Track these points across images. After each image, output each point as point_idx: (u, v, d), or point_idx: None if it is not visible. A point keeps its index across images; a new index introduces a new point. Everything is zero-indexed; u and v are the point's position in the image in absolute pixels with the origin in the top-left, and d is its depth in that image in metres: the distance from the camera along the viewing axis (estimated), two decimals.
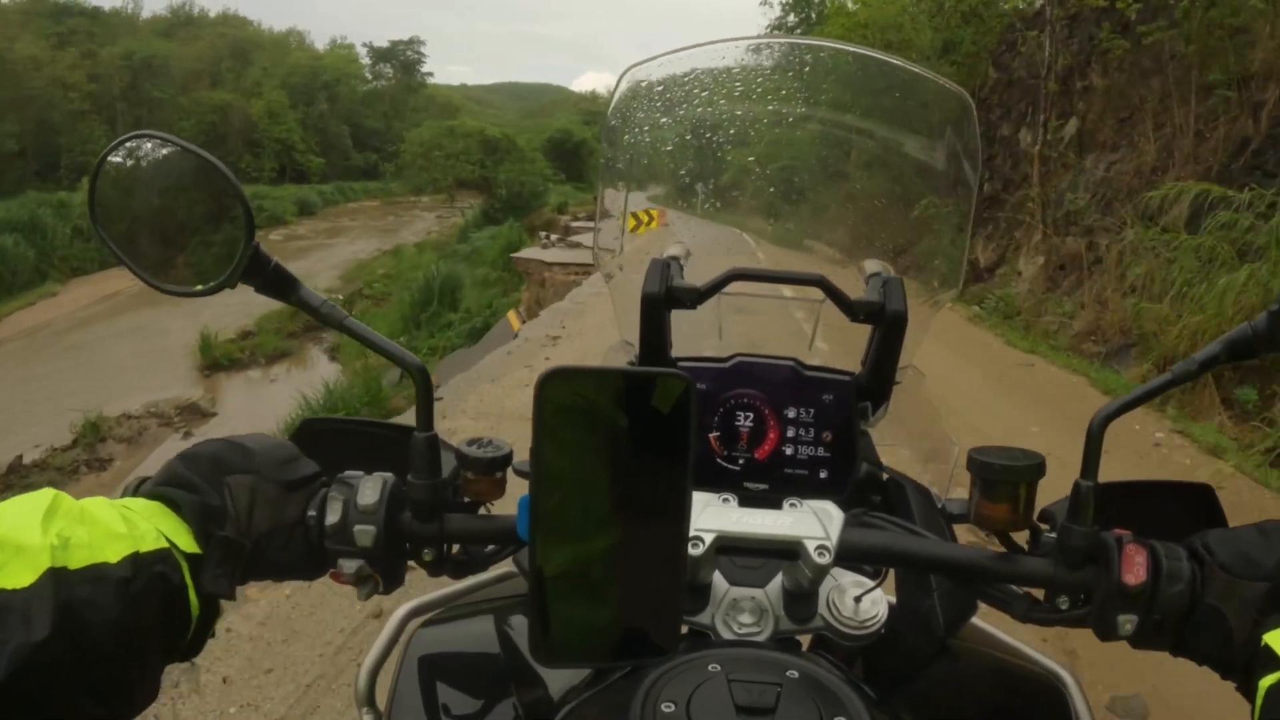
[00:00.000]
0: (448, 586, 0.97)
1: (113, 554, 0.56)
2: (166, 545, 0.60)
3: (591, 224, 1.29)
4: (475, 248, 29.71)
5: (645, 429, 0.50)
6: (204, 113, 47.51)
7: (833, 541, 0.70)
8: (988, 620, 0.93)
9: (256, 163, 49.04)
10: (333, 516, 0.69)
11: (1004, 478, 0.69)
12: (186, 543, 0.63)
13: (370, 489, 0.70)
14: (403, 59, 72.93)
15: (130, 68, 46.89)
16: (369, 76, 71.16)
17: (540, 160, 46.47)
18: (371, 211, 49.73)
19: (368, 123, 63.96)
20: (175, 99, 47.28)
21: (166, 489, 0.65)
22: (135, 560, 0.57)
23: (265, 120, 49.33)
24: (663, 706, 0.59)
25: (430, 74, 74.50)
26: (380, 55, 72.76)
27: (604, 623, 0.53)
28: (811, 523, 0.71)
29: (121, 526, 0.58)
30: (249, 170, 46.96)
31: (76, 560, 0.54)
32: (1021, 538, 0.75)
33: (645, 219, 1.14)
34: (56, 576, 0.53)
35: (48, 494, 0.57)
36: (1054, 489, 0.76)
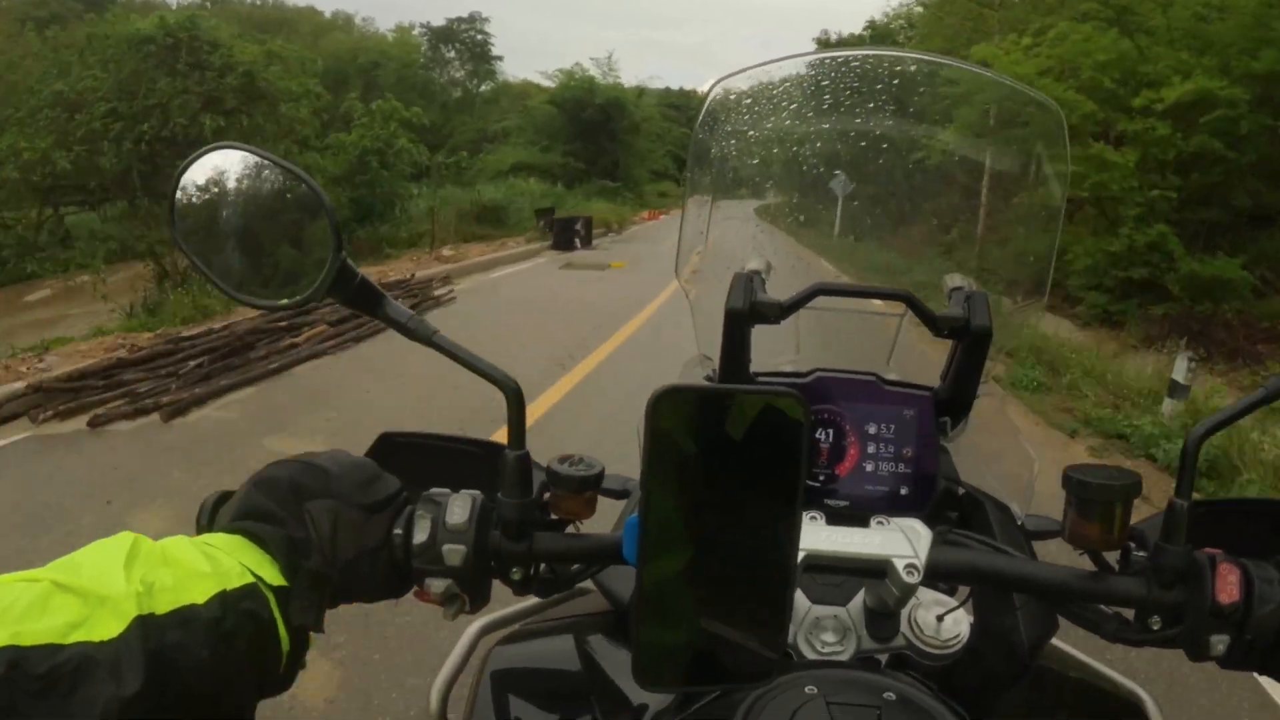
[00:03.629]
0: (519, 603, 0.96)
1: (200, 594, 0.54)
2: (253, 580, 0.59)
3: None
4: None
5: (755, 450, 0.48)
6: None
7: (922, 560, 0.69)
8: (1065, 640, 0.91)
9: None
10: (420, 535, 0.68)
11: (1101, 496, 0.68)
12: (272, 575, 0.61)
13: (459, 508, 0.69)
14: (465, 40, 58.64)
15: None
16: (426, 63, 57.04)
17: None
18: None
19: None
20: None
21: (247, 523, 0.63)
22: (223, 598, 0.55)
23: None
24: None
25: (500, 58, 59.39)
26: (439, 36, 57.44)
27: (704, 644, 0.52)
28: (900, 541, 0.70)
29: (205, 565, 0.56)
30: None
31: (163, 605, 0.52)
32: (1109, 556, 0.74)
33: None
34: (145, 624, 0.51)
35: (127, 538, 0.55)
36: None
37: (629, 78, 57.20)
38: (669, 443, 0.48)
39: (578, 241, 19.52)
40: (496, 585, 0.73)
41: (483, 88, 56.66)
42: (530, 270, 15.43)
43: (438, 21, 60.81)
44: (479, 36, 58.39)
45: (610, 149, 40.12)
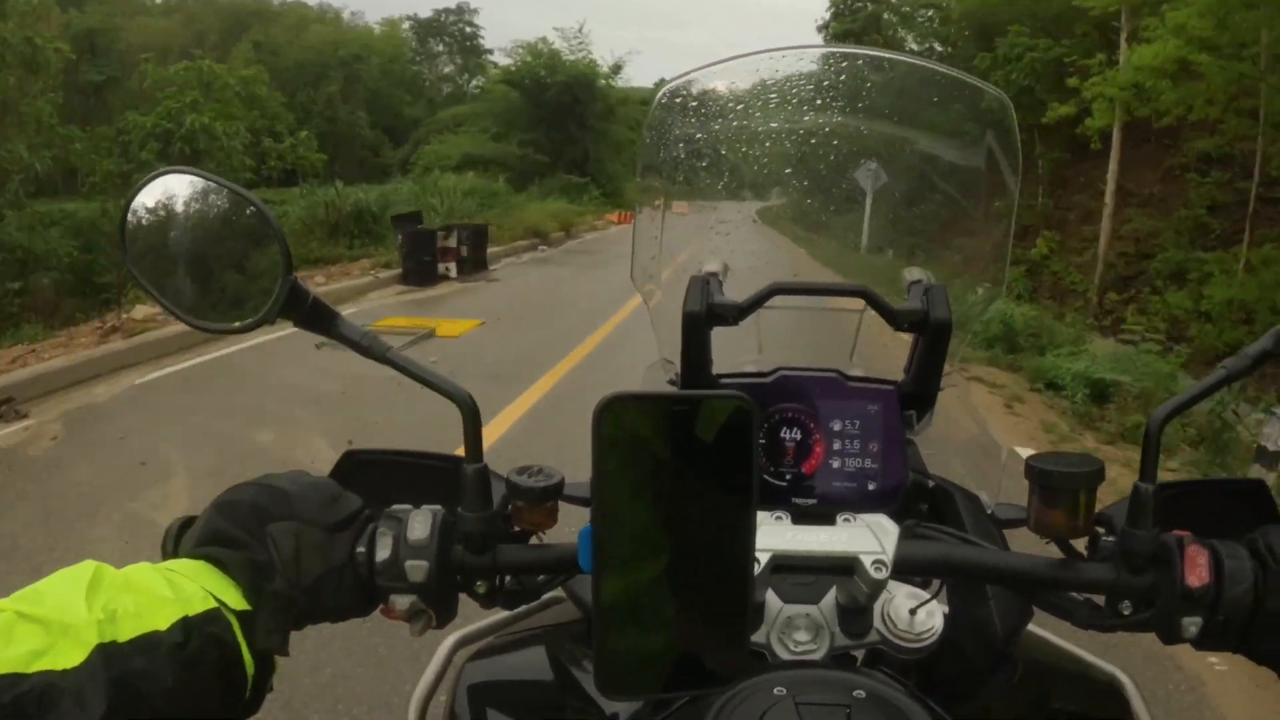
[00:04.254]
0: (492, 616, 0.96)
1: (162, 620, 0.54)
2: (215, 605, 0.59)
3: None
4: None
5: (706, 453, 0.48)
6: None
7: (889, 556, 0.69)
8: (1040, 625, 0.92)
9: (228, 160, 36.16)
10: (383, 553, 0.68)
11: (1064, 485, 0.68)
12: (235, 599, 0.61)
13: (420, 523, 0.69)
14: (454, 33, 55.44)
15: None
16: (414, 57, 53.93)
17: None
18: None
19: (408, 110, 47.77)
20: (123, 81, 33.88)
21: (210, 549, 0.63)
22: (185, 624, 0.55)
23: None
24: None
25: (490, 51, 54.21)
26: (426, 29, 54.31)
27: (668, 651, 0.52)
28: (866, 537, 0.70)
29: (168, 591, 0.56)
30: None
31: (126, 632, 0.52)
32: (1078, 543, 0.74)
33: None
34: (107, 652, 0.51)
35: (89, 566, 0.55)
36: None
37: (642, 79, 49.62)
38: (618, 451, 0.48)
39: (449, 268, 12.70)
40: (468, 598, 0.73)
41: (474, 83, 52.73)
42: (220, 369, 7.24)
43: (427, 15, 56.07)
44: (467, 29, 55.76)
45: (580, 137, 33.94)
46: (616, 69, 36.24)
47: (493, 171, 28.81)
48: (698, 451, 0.48)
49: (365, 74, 41.10)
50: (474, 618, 0.97)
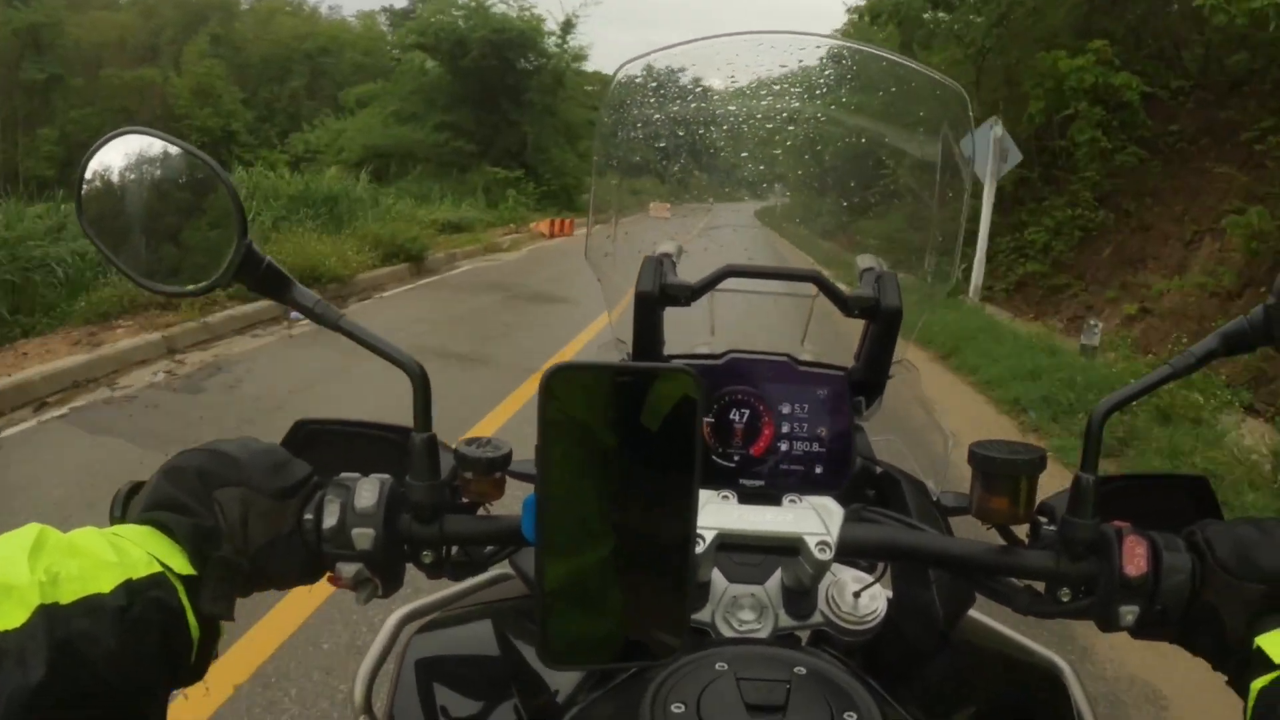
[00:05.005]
0: (441, 591, 0.96)
1: (105, 584, 0.54)
2: (160, 569, 0.59)
3: None
4: None
5: (650, 426, 0.49)
6: (111, 97, 31.15)
7: (833, 538, 0.70)
8: (982, 612, 0.94)
9: None
10: (330, 520, 0.68)
11: (1006, 472, 0.69)
12: (181, 565, 0.61)
13: (368, 491, 0.69)
14: None
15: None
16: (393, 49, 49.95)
17: None
18: None
19: None
20: (70, 81, 31.13)
21: (156, 513, 0.63)
22: (129, 588, 0.55)
23: (187, 101, 30.89)
24: (672, 707, 0.59)
25: None
26: (401, 20, 45.32)
27: (610, 623, 0.53)
28: (812, 519, 0.72)
29: (112, 555, 0.56)
30: None
31: (68, 594, 0.52)
32: (1020, 531, 0.76)
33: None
34: (49, 613, 0.51)
35: (33, 529, 0.55)
36: None
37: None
38: (564, 421, 0.48)
39: None
40: (417, 574, 0.73)
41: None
42: None
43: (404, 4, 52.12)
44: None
45: (518, 119, 25.24)
46: (568, 27, 26.65)
47: (412, 165, 23.08)
48: (643, 425, 0.49)
49: (333, 68, 37.19)
50: (422, 593, 0.97)
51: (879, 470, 0.96)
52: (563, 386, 0.47)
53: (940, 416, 1.03)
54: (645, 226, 1.12)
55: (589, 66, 28.83)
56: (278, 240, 10.49)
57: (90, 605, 0.53)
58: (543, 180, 24.82)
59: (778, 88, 1.06)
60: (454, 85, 24.90)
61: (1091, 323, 7.79)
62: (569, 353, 6.33)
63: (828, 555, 0.70)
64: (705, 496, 0.72)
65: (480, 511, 0.76)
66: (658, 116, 1.09)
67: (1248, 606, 0.65)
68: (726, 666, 0.63)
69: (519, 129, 25.50)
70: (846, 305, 0.93)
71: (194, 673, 0.62)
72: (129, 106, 31.20)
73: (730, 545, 0.72)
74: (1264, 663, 0.61)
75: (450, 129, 24.58)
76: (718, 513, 0.72)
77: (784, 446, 0.94)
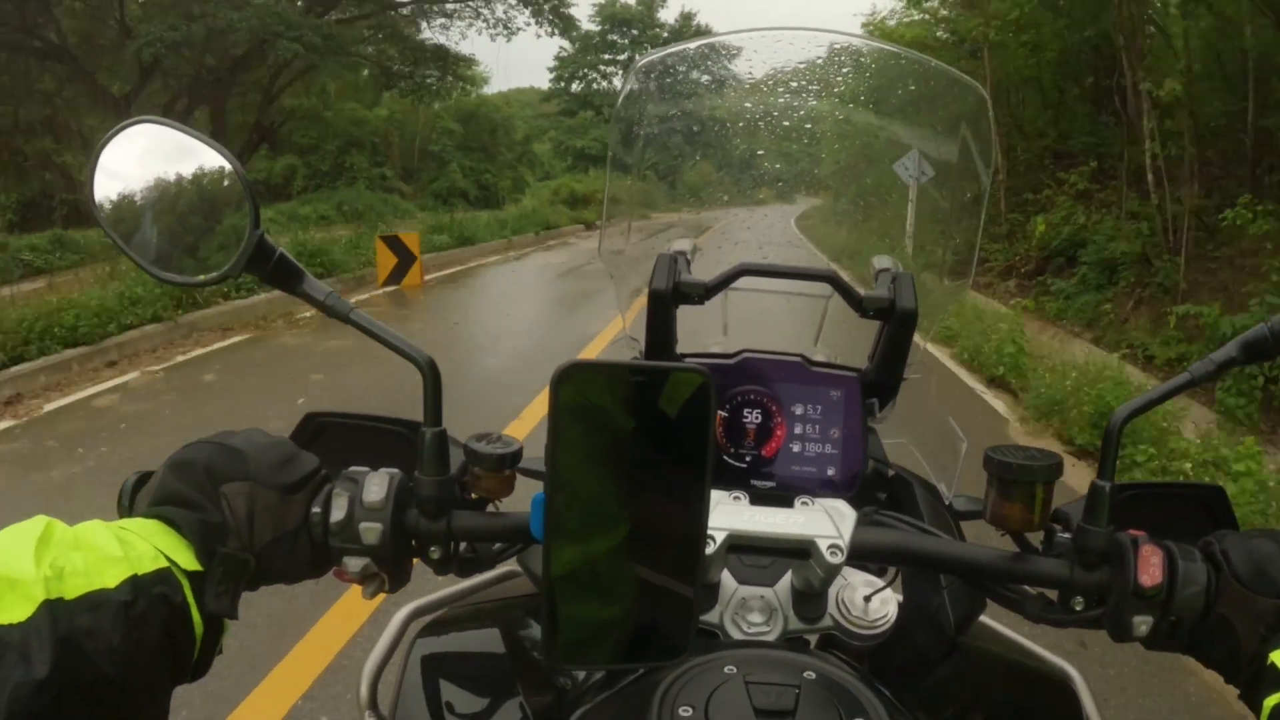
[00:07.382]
0: (448, 588, 0.96)
1: (110, 579, 0.54)
2: (166, 565, 0.58)
3: None
4: None
5: (662, 425, 0.49)
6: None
7: (845, 541, 0.69)
8: (992, 617, 0.92)
9: None
10: (338, 514, 0.68)
11: (1021, 477, 0.68)
12: (187, 560, 0.60)
13: (376, 485, 0.69)
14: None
15: None
16: None
17: None
18: None
19: None
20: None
21: (163, 509, 0.63)
22: (134, 583, 0.55)
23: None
24: (680, 710, 0.58)
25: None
26: None
27: (617, 623, 0.52)
28: (824, 522, 0.71)
29: (118, 549, 0.56)
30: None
31: (73, 589, 0.52)
32: (1034, 537, 0.75)
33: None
34: (53, 608, 0.50)
35: (40, 522, 0.54)
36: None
37: None
38: (575, 419, 0.48)
39: None
40: (424, 570, 0.73)
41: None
42: None
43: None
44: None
45: None
46: None
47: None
48: (654, 424, 0.48)
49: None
50: (429, 590, 0.97)
51: (891, 473, 0.95)
52: (574, 385, 0.47)
53: (954, 420, 1.02)
54: (659, 224, 1.12)
55: None
56: None
57: (95, 601, 0.53)
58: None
59: (795, 85, 1.05)
60: None
61: None
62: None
63: (839, 558, 0.69)
64: (716, 497, 0.71)
65: (489, 508, 0.75)
66: (674, 113, 1.08)
67: (1262, 621, 0.64)
68: (735, 670, 0.62)
69: None
70: (861, 306, 0.92)
71: (197, 669, 0.62)
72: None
73: (740, 546, 0.71)
74: (1277, 680, 0.60)
75: None
76: (729, 513, 0.71)
77: (796, 448, 0.93)
